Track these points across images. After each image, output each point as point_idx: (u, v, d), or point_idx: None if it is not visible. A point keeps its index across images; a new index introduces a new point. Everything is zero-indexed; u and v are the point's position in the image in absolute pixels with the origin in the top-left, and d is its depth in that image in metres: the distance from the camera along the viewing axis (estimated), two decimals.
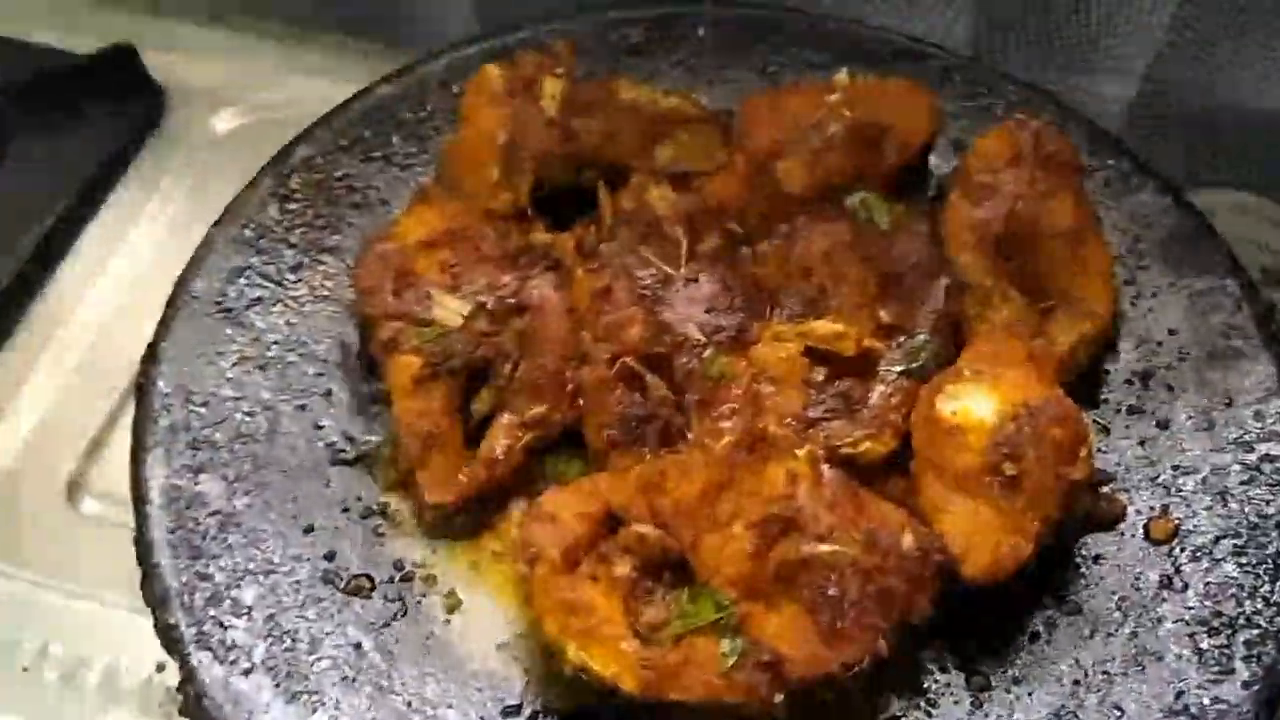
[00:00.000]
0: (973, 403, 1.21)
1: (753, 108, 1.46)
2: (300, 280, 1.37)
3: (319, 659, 1.14)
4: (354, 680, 1.14)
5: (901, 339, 1.29)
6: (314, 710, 1.11)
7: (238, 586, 1.17)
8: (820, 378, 1.28)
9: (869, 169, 1.41)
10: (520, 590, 1.20)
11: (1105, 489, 1.26)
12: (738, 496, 1.18)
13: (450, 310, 1.31)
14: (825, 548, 1.14)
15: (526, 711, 1.14)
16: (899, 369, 1.28)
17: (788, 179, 1.39)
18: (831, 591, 1.12)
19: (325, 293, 1.37)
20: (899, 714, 1.13)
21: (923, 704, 1.14)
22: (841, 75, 1.44)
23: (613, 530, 1.19)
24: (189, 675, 1.11)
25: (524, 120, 1.38)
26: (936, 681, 1.15)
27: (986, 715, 1.13)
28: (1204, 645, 1.13)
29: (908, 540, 1.15)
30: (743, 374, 1.28)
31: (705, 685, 1.09)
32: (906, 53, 1.54)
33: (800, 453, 1.22)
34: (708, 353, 1.29)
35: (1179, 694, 1.10)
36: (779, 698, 1.08)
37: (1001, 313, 1.31)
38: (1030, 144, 1.37)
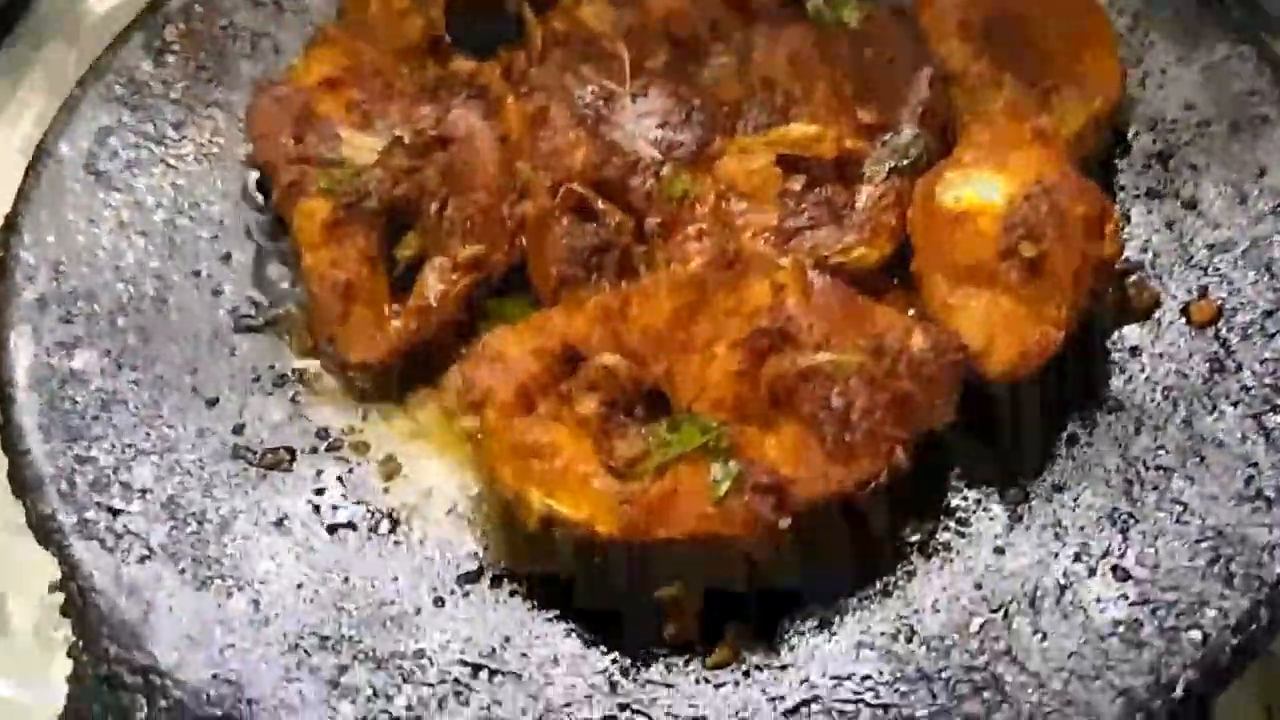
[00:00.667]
0: (978, 187, 1.04)
1: None
2: (185, 138, 1.18)
3: (233, 539, 0.95)
4: (278, 559, 0.94)
5: (886, 137, 1.12)
6: (229, 595, 0.92)
7: (128, 468, 0.98)
8: (797, 188, 1.10)
9: None
10: (470, 448, 1.02)
11: (1134, 278, 1.09)
12: (715, 317, 1.01)
13: (361, 148, 1.12)
14: (824, 357, 0.97)
15: (486, 577, 0.95)
16: (887, 168, 1.10)
17: None
18: (836, 404, 0.95)
19: (216, 150, 1.17)
20: (925, 539, 0.96)
21: (952, 525, 0.96)
22: None
23: (572, 370, 1.00)
24: (71, 568, 0.92)
25: None
26: (965, 498, 0.98)
27: (1028, 528, 0.95)
28: (1270, 424, 0.97)
29: (918, 341, 0.98)
30: (709, 191, 1.11)
31: (697, 518, 0.90)
32: None
33: (784, 262, 1.04)
34: (665, 170, 1.11)
35: (1249, 479, 0.94)
36: (784, 524, 0.90)
37: (996, 101, 1.14)
38: None
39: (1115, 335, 1.05)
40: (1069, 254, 1.00)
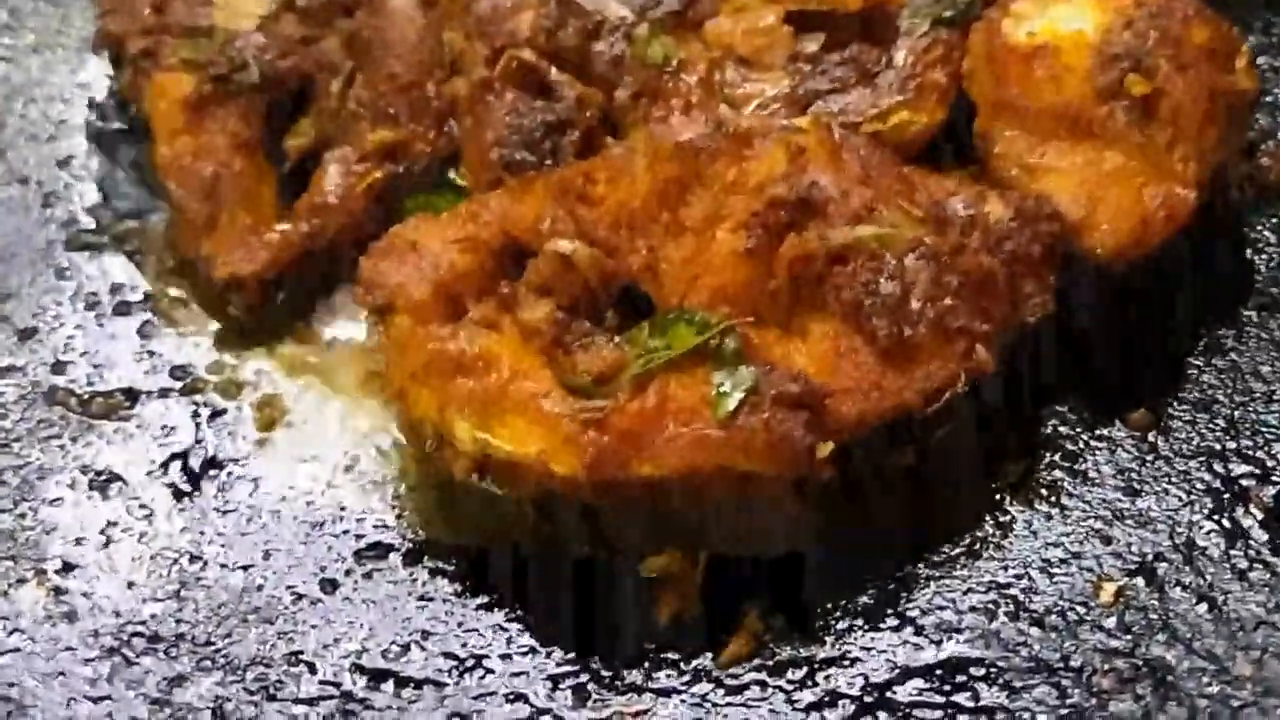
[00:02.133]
0: (1058, 19, 0.78)
1: None
2: (25, 27, 0.91)
3: (36, 507, 0.67)
4: (99, 533, 0.66)
5: None
6: (20, 581, 0.64)
7: None
8: (813, 48, 0.84)
9: None
10: (378, 383, 0.74)
11: (1267, 146, 0.83)
12: (711, 194, 0.73)
13: (238, 11, 0.85)
14: (867, 230, 0.69)
15: (398, 552, 0.67)
16: (931, 18, 0.84)
17: None
18: (887, 290, 0.67)
19: (55, 35, 0.91)
20: (1022, 477, 0.67)
21: (1058, 460, 0.68)
22: None
23: (516, 269, 0.73)
24: None
25: None
26: (1073, 424, 0.69)
27: (1167, 459, 0.67)
28: None
29: (996, 208, 0.71)
30: (698, 58, 0.84)
31: (695, 445, 0.62)
32: None
33: (801, 122, 0.77)
34: (639, 31, 0.84)
35: None
36: (823, 452, 0.61)
37: None
38: None
39: (1249, 223, 0.77)
40: (1192, 89, 0.73)
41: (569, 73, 0.85)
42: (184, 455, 0.71)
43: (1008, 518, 0.66)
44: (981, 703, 0.58)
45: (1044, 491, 0.67)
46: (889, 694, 0.59)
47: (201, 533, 0.67)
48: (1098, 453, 0.68)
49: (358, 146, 0.83)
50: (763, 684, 0.60)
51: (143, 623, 0.63)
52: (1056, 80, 0.76)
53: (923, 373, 0.65)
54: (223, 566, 0.66)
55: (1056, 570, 0.63)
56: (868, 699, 0.59)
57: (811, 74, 0.84)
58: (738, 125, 0.80)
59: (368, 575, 0.66)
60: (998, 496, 0.67)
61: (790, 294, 0.69)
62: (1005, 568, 0.64)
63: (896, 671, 0.60)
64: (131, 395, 0.74)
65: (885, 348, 0.66)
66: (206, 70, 0.82)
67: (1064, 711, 0.57)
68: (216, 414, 0.73)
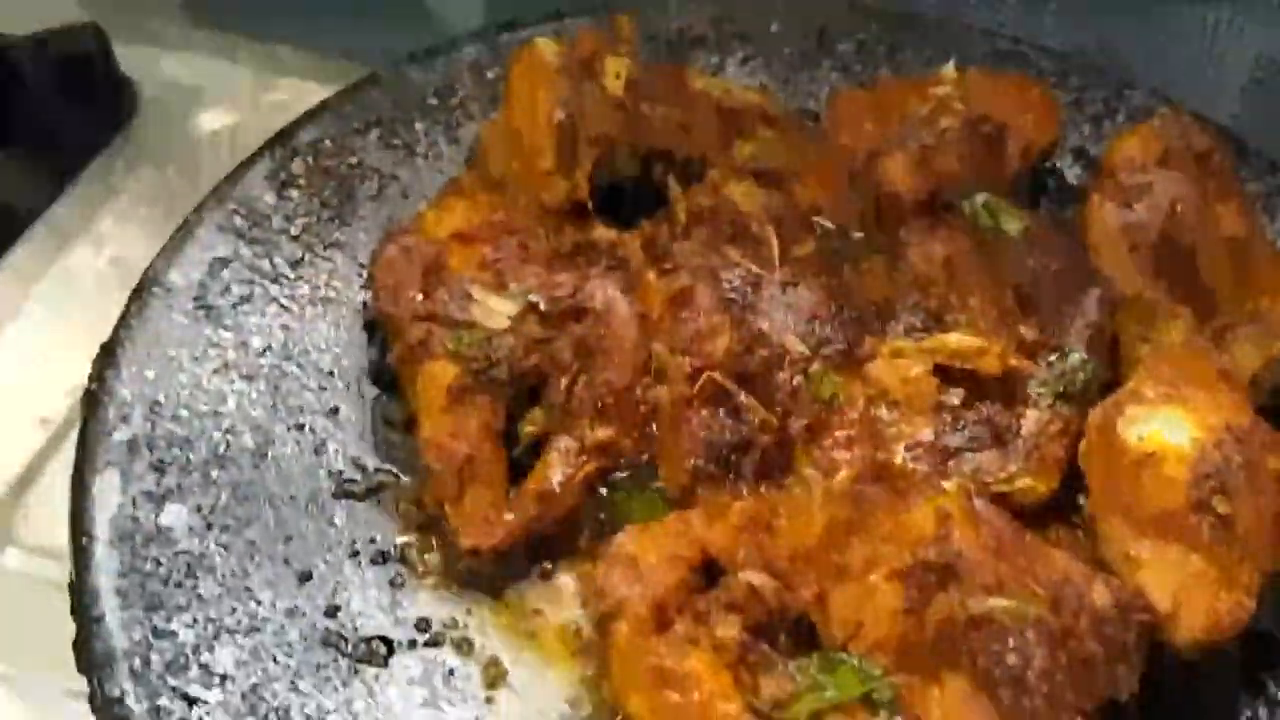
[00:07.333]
0: (1165, 427, 0.96)
1: (846, 102, 1.24)
2: (301, 278, 1.10)
3: None
4: None
5: (1052, 358, 1.04)
6: None
7: (210, 648, 0.87)
8: (955, 402, 1.02)
9: (987, 171, 1.18)
10: (584, 659, 0.91)
11: None
12: (872, 541, 0.91)
13: (494, 310, 1.04)
14: (1000, 603, 0.87)
15: None
16: (1054, 392, 1.02)
17: (892, 179, 1.15)
18: (1012, 661, 0.85)
19: (332, 295, 1.10)
20: None
21: None
22: (948, 69, 1.23)
23: (709, 583, 0.91)
24: None
25: (585, 100, 1.13)
26: None
27: None
28: None
29: (1101, 595, 0.88)
30: (857, 396, 1.02)
31: None
32: (1010, 54, 1.33)
33: (948, 486, 0.95)
34: (814, 369, 1.03)
35: None
36: None
37: (1169, 332, 1.07)
38: (1181, 142, 1.15)
39: None
40: (1261, 514, 0.91)
41: (754, 396, 1.04)
42: (431, 708, 0.88)
43: None
44: None
45: None
46: None
47: None
48: None
49: (578, 439, 1.02)
50: None
51: None
52: (1159, 487, 0.92)
53: None
54: None
55: None
56: None
57: (953, 426, 1.02)
58: (888, 467, 0.99)
59: None
60: None
61: (934, 651, 0.87)
62: None
63: None
64: (388, 644, 0.91)
65: (1008, 713, 0.83)
66: (469, 363, 1.00)
67: None
68: (451, 671, 0.90)
